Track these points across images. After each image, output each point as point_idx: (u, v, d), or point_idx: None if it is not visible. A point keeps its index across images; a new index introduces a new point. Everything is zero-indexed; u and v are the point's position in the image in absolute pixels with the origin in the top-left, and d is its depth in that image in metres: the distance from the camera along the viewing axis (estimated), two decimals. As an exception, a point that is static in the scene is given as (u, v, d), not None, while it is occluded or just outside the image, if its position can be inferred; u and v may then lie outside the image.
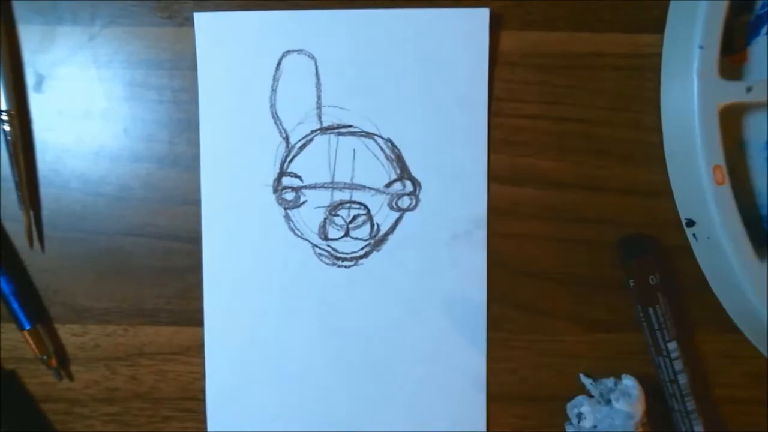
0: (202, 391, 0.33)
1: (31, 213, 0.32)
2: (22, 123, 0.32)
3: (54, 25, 0.32)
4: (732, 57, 0.33)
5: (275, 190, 0.33)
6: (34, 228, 0.33)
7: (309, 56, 0.32)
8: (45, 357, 0.32)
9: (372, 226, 0.33)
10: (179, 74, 0.33)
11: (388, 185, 0.32)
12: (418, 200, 0.33)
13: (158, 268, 0.33)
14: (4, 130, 0.32)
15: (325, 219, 0.33)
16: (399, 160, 0.32)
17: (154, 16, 0.33)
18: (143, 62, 0.33)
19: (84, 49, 0.33)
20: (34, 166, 0.33)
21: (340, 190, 0.33)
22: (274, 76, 0.32)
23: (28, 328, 0.32)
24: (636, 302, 0.32)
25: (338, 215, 0.33)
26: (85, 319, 0.33)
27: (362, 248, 0.33)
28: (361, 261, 0.33)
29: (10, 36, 0.32)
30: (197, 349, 0.33)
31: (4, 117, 0.31)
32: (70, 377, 0.34)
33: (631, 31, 0.33)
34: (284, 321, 0.33)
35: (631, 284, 0.32)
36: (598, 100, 0.33)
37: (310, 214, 0.33)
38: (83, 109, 0.33)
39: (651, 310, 0.32)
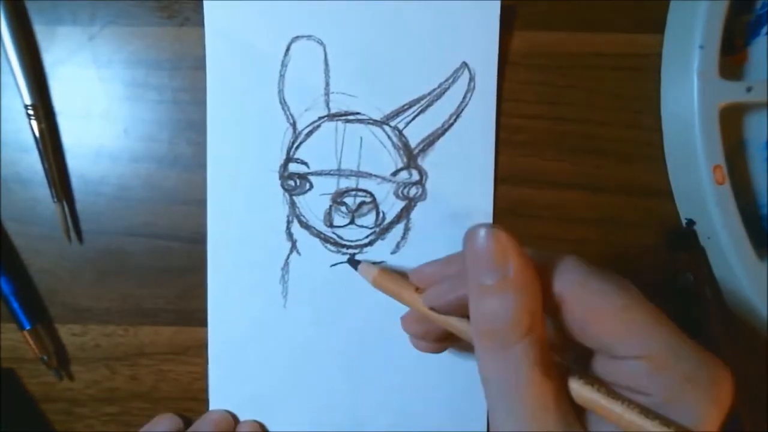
0: (202, 391, 0.33)
1: (65, 204, 0.32)
2: (47, 116, 0.32)
3: (54, 25, 0.32)
4: (732, 57, 0.33)
5: (281, 176, 0.32)
6: (69, 219, 0.33)
7: (318, 42, 0.32)
8: (45, 357, 0.32)
9: (377, 214, 0.32)
10: (179, 74, 0.33)
11: (394, 174, 0.32)
12: (424, 190, 0.33)
13: (158, 268, 0.33)
14: (30, 125, 0.31)
15: (330, 206, 0.32)
16: (406, 149, 0.32)
17: (154, 16, 0.33)
18: (143, 62, 0.33)
19: (84, 49, 0.33)
20: (64, 158, 0.33)
21: (347, 178, 0.32)
22: (283, 61, 0.32)
23: (28, 328, 0.32)
24: (695, 293, 0.32)
25: (344, 202, 0.32)
26: (85, 319, 0.33)
27: (367, 236, 0.33)
28: (365, 249, 0.33)
29: (26, 31, 0.32)
30: (197, 349, 0.33)
31: (30, 111, 0.31)
32: (70, 377, 0.34)
33: (631, 31, 0.33)
34: (287, 308, 0.33)
35: (691, 278, 0.32)
36: (598, 100, 0.33)
37: (316, 201, 0.33)
38: (83, 109, 0.33)
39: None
